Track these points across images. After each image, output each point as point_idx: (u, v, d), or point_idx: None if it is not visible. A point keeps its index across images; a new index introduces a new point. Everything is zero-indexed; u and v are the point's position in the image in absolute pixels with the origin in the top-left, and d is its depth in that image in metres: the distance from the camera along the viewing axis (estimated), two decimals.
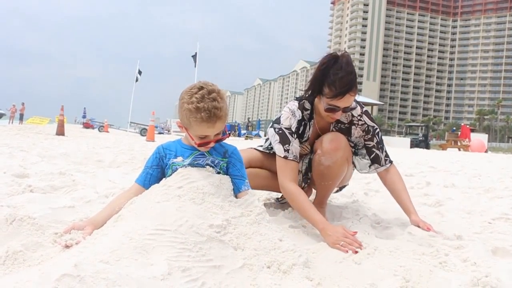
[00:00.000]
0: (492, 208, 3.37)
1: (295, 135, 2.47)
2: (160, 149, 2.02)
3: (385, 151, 2.61)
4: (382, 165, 2.59)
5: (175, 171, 1.87)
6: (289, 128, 2.47)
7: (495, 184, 5.23)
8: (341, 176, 2.57)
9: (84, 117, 41.86)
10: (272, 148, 2.65)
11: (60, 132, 14.04)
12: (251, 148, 2.81)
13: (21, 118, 35.97)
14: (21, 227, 1.92)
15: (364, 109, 2.57)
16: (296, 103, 2.53)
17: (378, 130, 2.60)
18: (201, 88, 1.79)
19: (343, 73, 2.23)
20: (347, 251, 1.91)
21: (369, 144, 2.58)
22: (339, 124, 2.57)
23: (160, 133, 32.39)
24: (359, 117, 2.54)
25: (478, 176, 6.39)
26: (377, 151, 2.57)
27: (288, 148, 2.43)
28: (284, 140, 2.44)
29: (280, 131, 2.47)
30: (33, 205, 2.33)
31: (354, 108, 2.48)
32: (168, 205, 1.61)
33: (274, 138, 2.48)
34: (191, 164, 1.91)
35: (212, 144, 1.90)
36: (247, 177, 2.03)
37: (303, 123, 2.53)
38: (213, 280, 1.35)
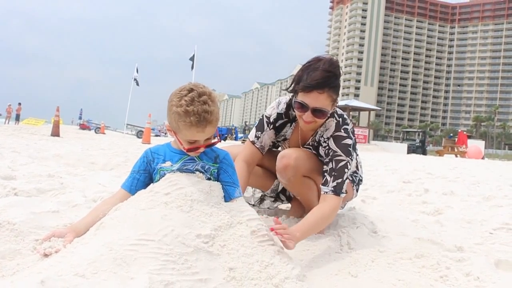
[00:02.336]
0: (492, 218, 3.29)
1: (271, 126, 2.51)
2: (148, 152, 1.92)
3: (338, 183, 2.20)
4: (323, 192, 2.22)
5: (163, 176, 1.77)
6: (268, 117, 2.53)
7: (494, 192, 5.15)
8: (308, 192, 2.46)
9: (80, 118, 41.76)
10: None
11: (55, 133, 13.91)
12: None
13: (17, 118, 35.76)
14: None
15: (337, 134, 2.32)
16: (287, 97, 2.50)
17: (340, 158, 2.26)
18: (191, 90, 1.68)
19: (319, 69, 2.17)
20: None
21: (324, 168, 2.30)
22: (317, 138, 2.43)
23: (156, 135, 32.29)
24: (326, 139, 2.35)
25: (476, 183, 6.31)
26: (327, 177, 2.23)
27: (259, 135, 2.51)
28: (259, 127, 2.53)
29: (261, 117, 2.56)
30: (15, 209, 2.21)
31: (327, 129, 2.37)
32: (153, 213, 1.51)
33: (255, 123, 2.59)
34: (180, 170, 1.80)
35: (201, 150, 1.79)
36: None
37: (284, 119, 2.52)
38: None
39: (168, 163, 1.82)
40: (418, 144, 35.23)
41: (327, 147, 2.32)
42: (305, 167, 2.36)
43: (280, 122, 2.51)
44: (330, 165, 2.25)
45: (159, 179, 1.78)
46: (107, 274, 1.20)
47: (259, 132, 2.50)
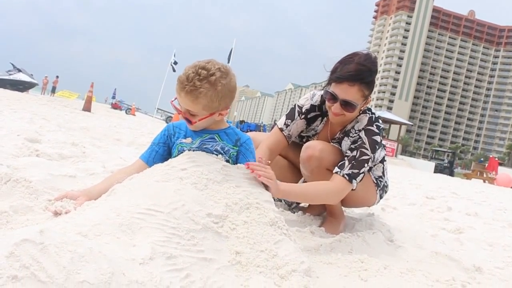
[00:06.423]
0: None
1: (303, 116, 2.47)
2: (170, 126, 1.90)
3: (354, 173, 2.14)
4: (336, 171, 2.16)
5: (181, 152, 1.75)
6: (300, 107, 2.49)
7: None
8: None
9: (113, 97, 42.40)
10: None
11: (87, 108, 14.15)
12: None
13: (53, 90, 36.59)
14: (15, 189, 1.84)
15: (369, 128, 2.27)
16: (322, 91, 2.41)
17: (366, 151, 2.20)
18: (208, 62, 1.69)
19: (353, 62, 2.13)
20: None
21: (346, 153, 2.25)
22: (344, 134, 2.37)
23: None
24: (358, 131, 2.28)
25: (503, 209, 6.08)
26: (346, 162, 2.18)
27: (288, 123, 2.47)
28: (290, 115, 2.49)
29: (293, 107, 2.53)
30: (34, 169, 2.24)
31: (359, 122, 2.31)
32: (166, 186, 1.48)
33: (287, 112, 2.53)
34: (199, 147, 1.78)
35: (180, 117, 1.78)
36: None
37: (317, 112, 2.48)
38: (200, 273, 1.21)
39: (189, 139, 1.80)
40: (446, 164, 34.46)
41: (357, 137, 2.27)
42: (329, 160, 2.28)
43: (312, 114, 2.47)
44: (354, 153, 2.21)
45: (177, 154, 1.76)
46: (110, 237, 1.18)
47: (289, 120, 2.47)
